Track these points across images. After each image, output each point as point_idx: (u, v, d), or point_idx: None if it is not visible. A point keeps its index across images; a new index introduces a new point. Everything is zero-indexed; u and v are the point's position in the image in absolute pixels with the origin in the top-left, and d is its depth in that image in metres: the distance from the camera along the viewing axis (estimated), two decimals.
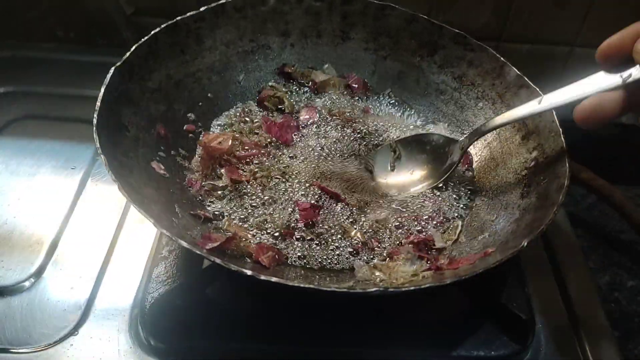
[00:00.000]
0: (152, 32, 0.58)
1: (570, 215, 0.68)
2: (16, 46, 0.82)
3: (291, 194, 0.58)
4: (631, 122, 0.45)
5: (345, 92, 0.68)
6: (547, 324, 0.55)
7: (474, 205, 0.59)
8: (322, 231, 0.55)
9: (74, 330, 0.52)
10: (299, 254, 0.53)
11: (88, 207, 0.63)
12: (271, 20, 0.65)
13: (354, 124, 0.65)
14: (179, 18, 0.60)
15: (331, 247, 0.54)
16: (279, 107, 0.66)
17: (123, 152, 0.51)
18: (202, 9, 0.61)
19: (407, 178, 0.61)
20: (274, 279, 0.41)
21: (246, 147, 0.61)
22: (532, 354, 0.53)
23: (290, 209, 0.56)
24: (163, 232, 0.43)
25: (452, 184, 0.61)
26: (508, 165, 0.59)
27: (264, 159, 0.61)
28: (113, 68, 0.53)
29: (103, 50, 0.81)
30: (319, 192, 0.58)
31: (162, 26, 0.58)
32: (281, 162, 0.61)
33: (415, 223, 0.57)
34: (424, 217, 0.58)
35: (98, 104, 0.50)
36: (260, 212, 0.56)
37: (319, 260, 0.53)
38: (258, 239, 0.54)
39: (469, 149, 0.61)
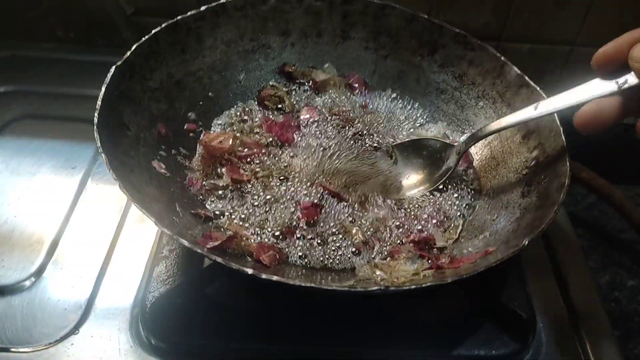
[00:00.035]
0: (153, 32, 0.58)
1: (570, 214, 0.68)
2: (16, 46, 0.82)
3: (292, 193, 0.58)
4: (632, 122, 0.45)
5: (346, 91, 0.68)
6: (548, 323, 0.55)
7: (475, 204, 0.59)
8: (323, 230, 0.55)
9: (74, 330, 0.52)
10: (299, 253, 0.53)
11: (88, 207, 0.63)
12: (272, 20, 0.65)
13: (356, 124, 0.65)
14: (179, 17, 0.60)
15: (332, 247, 0.54)
16: (280, 106, 0.66)
17: (124, 151, 0.51)
18: (202, 8, 0.61)
19: (404, 182, 0.61)
20: (275, 278, 0.41)
21: (247, 147, 0.61)
22: (532, 353, 0.53)
23: (291, 208, 0.56)
24: (164, 231, 0.43)
25: (453, 184, 0.61)
26: (509, 164, 0.59)
27: (265, 158, 0.61)
28: (114, 67, 0.53)
29: (103, 50, 0.81)
30: (321, 191, 0.58)
31: (163, 25, 0.58)
32: (282, 161, 0.61)
33: (416, 222, 0.57)
34: (424, 217, 0.58)
35: (99, 103, 0.50)
36: (261, 211, 0.56)
37: (320, 259, 0.53)
38: (259, 238, 0.54)
39: (468, 149, 0.61)
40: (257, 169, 0.59)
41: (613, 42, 0.44)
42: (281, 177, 0.59)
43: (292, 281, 0.42)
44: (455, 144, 0.59)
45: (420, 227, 0.57)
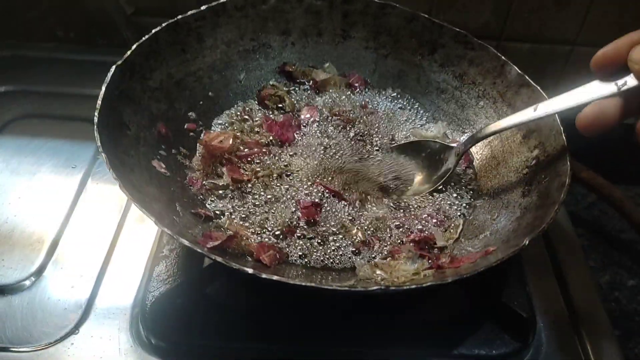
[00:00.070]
0: (153, 31, 0.58)
1: (570, 214, 0.68)
2: (16, 46, 0.82)
3: (292, 193, 0.58)
4: (632, 121, 0.46)
5: (346, 91, 0.68)
6: (548, 323, 0.55)
7: (475, 204, 0.59)
8: (323, 230, 0.55)
9: (74, 329, 0.52)
10: (299, 252, 0.53)
11: (89, 206, 0.63)
12: (272, 19, 0.65)
13: (357, 124, 0.65)
14: (179, 17, 0.60)
15: (332, 246, 0.54)
16: (280, 105, 0.66)
17: (124, 150, 0.51)
18: (202, 7, 0.61)
19: (403, 183, 0.61)
20: (275, 278, 0.41)
21: (247, 146, 0.61)
22: (533, 352, 0.53)
23: (291, 208, 0.56)
24: (164, 231, 0.43)
25: (453, 183, 0.61)
26: (509, 163, 0.59)
27: (265, 157, 0.61)
28: (114, 67, 0.53)
29: (103, 50, 0.81)
30: (321, 190, 0.58)
31: (163, 25, 0.58)
32: (282, 160, 0.61)
33: (416, 222, 0.57)
34: (424, 216, 0.58)
35: (99, 102, 0.50)
36: (262, 211, 0.56)
37: (320, 259, 0.53)
38: (259, 237, 0.54)
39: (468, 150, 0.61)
40: (258, 169, 0.59)
41: (612, 44, 0.44)
42: (281, 177, 0.59)
43: (292, 281, 0.42)
44: (455, 145, 0.59)
45: (420, 227, 0.57)
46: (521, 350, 0.52)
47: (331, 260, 0.53)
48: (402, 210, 0.58)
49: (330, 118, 0.65)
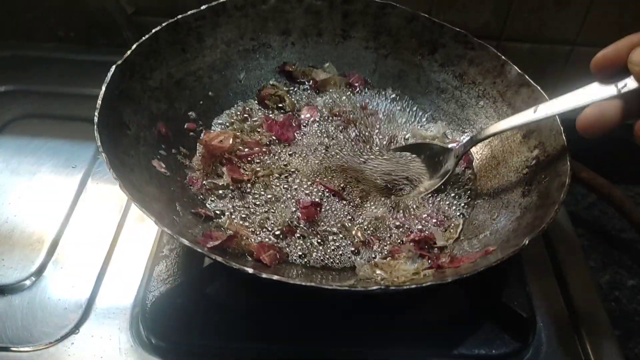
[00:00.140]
0: (153, 31, 0.58)
1: (570, 214, 0.68)
2: (17, 46, 0.82)
3: (293, 193, 0.58)
4: (632, 121, 0.46)
5: (346, 91, 0.68)
6: (548, 323, 0.55)
7: (475, 204, 0.59)
8: (323, 229, 0.55)
9: (75, 329, 0.52)
10: (299, 252, 0.53)
11: (89, 206, 0.63)
12: (272, 19, 0.65)
13: (358, 125, 0.65)
14: (179, 17, 0.60)
15: (332, 246, 0.54)
16: (280, 105, 0.66)
17: (124, 150, 0.51)
18: (202, 7, 0.61)
19: (403, 184, 0.61)
20: (275, 278, 0.41)
21: (247, 146, 0.61)
22: (533, 352, 0.53)
23: (291, 208, 0.56)
24: (164, 231, 0.43)
25: (452, 184, 0.61)
26: (509, 163, 0.59)
27: (265, 157, 0.61)
28: (114, 66, 0.53)
29: (103, 50, 0.81)
30: (321, 190, 0.58)
31: (163, 25, 0.58)
32: (282, 160, 0.61)
33: (416, 222, 0.57)
34: (424, 216, 0.58)
35: (99, 102, 0.50)
36: (262, 211, 0.56)
37: (320, 258, 0.53)
38: (259, 237, 0.54)
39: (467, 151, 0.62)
40: (258, 168, 0.59)
41: (612, 46, 0.44)
42: (281, 177, 0.59)
43: (292, 281, 0.42)
44: (454, 146, 0.59)
45: (420, 227, 0.57)
46: (521, 350, 0.52)
47: (331, 260, 0.53)
48: (401, 210, 0.58)
49: (330, 118, 0.65)
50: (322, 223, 0.56)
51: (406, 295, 0.50)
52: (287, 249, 0.53)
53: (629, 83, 0.43)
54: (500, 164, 0.60)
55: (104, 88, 0.51)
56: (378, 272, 0.50)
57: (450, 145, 0.61)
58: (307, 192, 0.58)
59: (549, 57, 0.78)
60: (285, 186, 0.58)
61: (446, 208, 0.59)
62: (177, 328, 0.52)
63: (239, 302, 0.54)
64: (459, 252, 0.53)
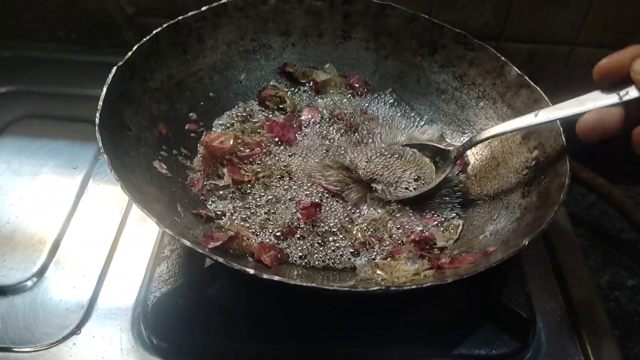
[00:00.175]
0: (154, 32, 0.58)
1: (570, 214, 0.69)
2: (17, 46, 0.82)
3: (293, 193, 0.58)
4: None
5: (346, 92, 0.68)
6: (548, 323, 0.55)
7: (475, 204, 0.59)
8: (323, 230, 0.55)
9: (76, 330, 0.52)
10: (300, 253, 0.54)
11: (90, 207, 0.63)
12: (272, 20, 0.66)
13: (359, 130, 0.65)
14: (180, 18, 0.60)
15: (332, 247, 0.54)
16: (281, 106, 0.66)
17: (125, 151, 0.51)
18: (203, 8, 0.61)
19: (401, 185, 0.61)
20: (276, 278, 0.42)
21: (248, 147, 0.61)
22: (532, 352, 0.53)
23: (292, 209, 0.56)
24: (166, 231, 0.44)
25: (449, 186, 0.61)
26: (509, 164, 0.59)
27: (266, 158, 0.61)
28: (115, 67, 0.53)
29: (104, 51, 0.81)
30: (321, 191, 0.58)
31: (164, 26, 0.59)
32: (283, 161, 0.61)
33: (416, 222, 0.57)
34: (424, 217, 0.58)
35: (100, 103, 0.50)
36: (262, 212, 0.56)
37: (321, 259, 0.53)
38: (260, 238, 0.54)
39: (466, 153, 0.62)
40: (258, 169, 0.59)
41: (616, 55, 0.44)
42: (282, 177, 0.59)
43: (293, 281, 0.42)
44: (451, 148, 0.59)
45: (420, 227, 0.57)
46: (521, 350, 0.52)
47: (332, 261, 0.53)
48: (401, 211, 0.58)
49: (331, 120, 0.65)
50: (323, 224, 0.56)
51: (406, 296, 0.50)
52: (288, 250, 0.53)
53: (631, 92, 0.44)
54: (500, 164, 0.60)
55: (105, 89, 0.51)
56: (378, 272, 0.51)
57: (447, 147, 0.61)
58: (307, 192, 0.58)
59: (549, 58, 0.78)
60: (286, 187, 0.58)
61: (443, 210, 0.59)
62: (178, 328, 0.52)
63: (240, 303, 0.55)
64: (459, 253, 0.53)
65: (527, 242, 0.45)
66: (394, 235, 0.56)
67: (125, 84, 0.54)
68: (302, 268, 0.53)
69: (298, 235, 0.55)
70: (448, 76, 0.66)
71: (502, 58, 0.61)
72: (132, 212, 0.62)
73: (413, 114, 0.68)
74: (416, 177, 0.60)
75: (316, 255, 0.54)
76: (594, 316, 0.57)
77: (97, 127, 0.48)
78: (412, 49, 0.67)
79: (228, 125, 0.64)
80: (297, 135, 0.63)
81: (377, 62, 0.68)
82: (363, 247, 0.54)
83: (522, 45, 0.77)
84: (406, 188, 0.60)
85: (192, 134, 0.61)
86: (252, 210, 0.56)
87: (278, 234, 0.54)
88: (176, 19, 0.60)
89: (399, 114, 0.68)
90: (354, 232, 0.55)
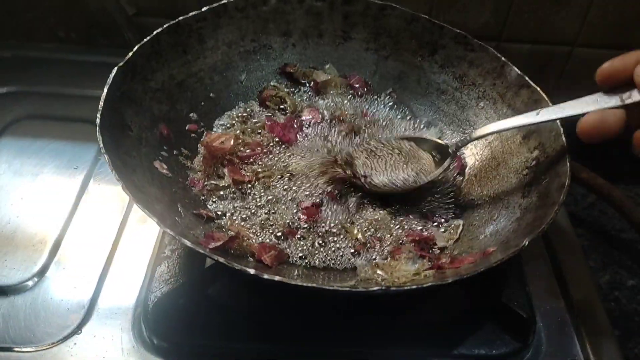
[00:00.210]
0: (155, 33, 0.58)
1: (570, 214, 0.69)
2: (18, 46, 0.82)
3: (294, 194, 0.58)
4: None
5: (347, 92, 0.68)
6: (548, 323, 0.55)
7: (475, 204, 0.59)
8: (324, 231, 0.55)
9: (77, 329, 0.52)
10: (300, 253, 0.54)
11: (91, 207, 0.63)
12: (273, 20, 0.66)
13: (360, 133, 0.65)
14: (180, 18, 0.60)
15: (333, 247, 0.55)
16: (281, 107, 0.66)
17: (126, 151, 0.51)
18: (203, 9, 0.61)
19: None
20: (277, 278, 0.42)
21: (248, 147, 0.61)
22: (532, 352, 0.53)
23: (292, 209, 0.56)
24: (166, 231, 0.44)
25: (446, 187, 0.61)
26: (509, 164, 0.59)
27: (266, 158, 0.61)
28: (116, 68, 0.53)
29: (105, 51, 0.81)
30: (322, 191, 0.58)
31: (164, 26, 0.59)
32: (283, 161, 0.61)
33: (416, 222, 0.57)
34: (424, 217, 0.58)
35: (101, 103, 0.50)
36: (263, 212, 0.56)
37: (321, 259, 0.54)
38: (260, 238, 0.54)
39: (463, 154, 0.62)
40: (259, 170, 0.59)
41: (620, 58, 0.45)
42: (282, 178, 0.59)
43: (293, 281, 0.43)
44: (450, 142, 0.59)
45: (420, 227, 0.57)
46: (521, 350, 0.52)
47: (332, 261, 0.54)
48: (402, 211, 0.58)
49: (332, 122, 0.65)
50: (323, 224, 0.56)
51: (407, 296, 0.50)
52: (288, 250, 0.54)
53: (634, 95, 0.44)
54: (500, 165, 0.60)
55: (105, 89, 0.51)
56: (379, 272, 0.51)
57: (447, 142, 0.60)
58: (307, 193, 0.58)
59: (549, 58, 0.78)
60: (286, 187, 0.58)
61: (443, 210, 0.59)
62: (179, 328, 0.52)
63: (241, 303, 0.55)
64: (459, 253, 0.53)
65: (527, 242, 0.45)
66: (394, 236, 0.56)
67: (126, 84, 0.54)
68: (302, 268, 0.53)
69: (299, 236, 0.55)
70: (448, 76, 0.66)
71: (502, 58, 0.62)
72: (133, 212, 0.62)
73: (412, 117, 0.68)
74: (415, 172, 0.59)
75: (317, 255, 0.54)
76: (594, 316, 0.57)
77: (98, 128, 0.48)
78: (412, 50, 0.67)
79: (228, 125, 0.64)
80: (298, 135, 0.63)
81: (377, 62, 0.68)
82: (363, 247, 0.55)
83: (522, 46, 0.77)
84: (404, 181, 0.59)
85: (193, 134, 0.61)
86: (253, 211, 0.56)
87: (279, 234, 0.55)
88: (177, 20, 0.60)
89: (398, 116, 0.68)
90: (355, 232, 0.55)
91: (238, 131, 0.63)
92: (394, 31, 0.66)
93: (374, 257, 0.54)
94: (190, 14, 0.61)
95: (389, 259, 0.53)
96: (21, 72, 0.79)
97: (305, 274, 0.52)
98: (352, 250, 0.54)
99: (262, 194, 0.58)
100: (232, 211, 0.56)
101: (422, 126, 0.67)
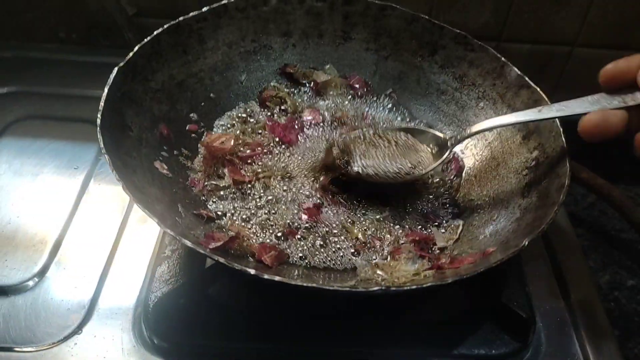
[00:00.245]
0: (155, 33, 0.58)
1: (570, 214, 0.69)
2: (18, 47, 0.82)
3: (294, 194, 0.58)
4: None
5: (347, 93, 0.69)
6: (548, 323, 0.55)
7: (475, 204, 0.60)
8: (324, 231, 0.56)
9: (77, 329, 0.52)
10: (300, 254, 0.54)
11: (91, 207, 0.63)
12: (273, 21, 0.66)
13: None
14: (181, 18, 0.60)
15: (333, 247, 0.55)
16: (281, 107, 0.66)
17: (126, 152, 0.51)
18: (204, 9, 0.61)
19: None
20: (277, 279, 0.42)
21: (248, 147, 0.61)
22: (532, 352, 0.53)
23: (292, 209, 0.56)
24: (167, 232, 0.44)
25: (444, 188, 0.61)
26: (509, 164, 0.59)
27: (266, 159, 0.61)
28: (116, 68, 0.53)
29: (105, 51, 0.81)
30: (322, 192, 0.58)
31: (165, 27, 0.59)
32: (284, 162, 0.61)
33: (416, 222, 0.57)
34: (424, 217, 0.58)
35: (102, 104, 0.50)
36: (263, 212, 0.56)
37: (321, 260, 0.54)
38: (261, 238, 0.54)
39: (463, 155, 0.62)
40: (259, 170, 0.59)
41: (624, 60, 0.45)
42: (283, 178, 0.59)
43: (294, 282, 0.43)
44: (449, 135, 0.58)
45: (420, 227, 0.57)
46: (521, 351, 0.52)
47: (332, 261, 0.54)
48: (402, 212, 0.58)
49: (334, 123, 0.65)
50: (323, 224, 0.56)
51: (407, 296, 0.50)
52: (288, 250, 0.54)
53: (637, 97, 0.45)
54: (500, 165, 0.60)
55: (106, 90, 0.51)
56: (379, 272, 0.51)
57: (445, 134, 0.59)
58: (307, 193, 0.58)
59: (549, 58, 0.78)
60: (285, 188, 0.58)
61: (443, 211, 0.59)
62: (179, 328, 0.52)
63: (241, 303, 0.55)
64: (459, 253, 0.53)
65: (527, 243, 0.45)
66: (394, 236, 0.56)
67: (126, 84, 0.54)
68: (302, 268, 0.53)
69: (299, 236, 0.55)
70: (448, 77, 0.66)
71: (502, 59, 0.62)
72: (133, 213, 0.62)
73: (412, 119, 0.68)
74: (412, 164, 0.59)
75: (317, 255, 0.54)
76: (594, 316, 0.57)
77: (98, 128, 0.48)
78: (412, 50, 0.67)
79: (229, 125, 0.64)
80: (298, 136, 0.64)
81: (378, 62, 0.68)
82: (363, 247, 0.55)
83: (522, 46, 0.77)
84: (400, 172, 0.58)
85: (193, 135, 0.61)
86: (253, 211, 0.56)
87: (279, 234, 0.55)
88: (177, 20, 0.60)
89: (398, 118, 0.68)
90: (355, 232, 0.55)
91: (238, 131, 0.63)
92: (394, 31, 0.66)
93: (374, 257, 0.54)
94: (191, 14, 0.61)
95: (388, 259, 0.53)
96: (22, 73, 0.79)
97: (306, 274, 0.52)
98: (352, 251, 0.54)
99: (262, 194, 0.58)
100: (233, 211, 0.56)
101: (422, 127, 0.67)
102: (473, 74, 0.64)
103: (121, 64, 0.54)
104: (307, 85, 0.68)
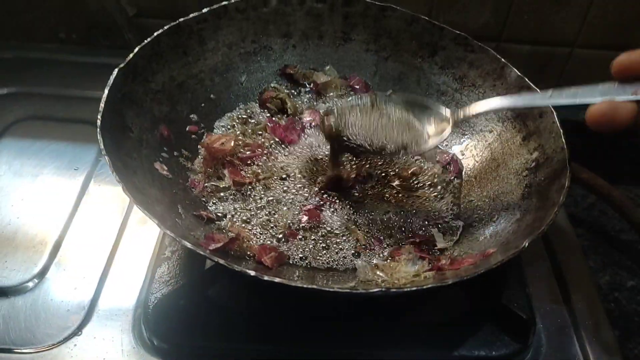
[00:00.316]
0: (155, 34, 0.58)
1: (570, 215, 0.69)
2: (18, 47, 0.82)
3: (294, 196, 0.58)
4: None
5: (347, 94, 0.68)
6: (548, 324, 0.55)
7: (475, 206, 0.60)
8: (325, 232, 0.56)
9: (77, 331, 0.52)
10: (300, 255, 0.54)
11: (91, 208, 0.63)
12: (273, 22, 0.66)
13: None
14: (181, 20, 0.60)
15: (334, 249, 0.55)
16: (282, 108, 0.66)
17: (126, 153, 0.51)
18: (204, 10, 0.61)
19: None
20: (277, 280, 0.42)
21: (249, 148, 0.61)
22: (532, 353, 0.53)
23: (293, 210, 0.56)
24: (167, 233, 0.44)
25: (450, 184, 0.61)
26: (509, 166, 0.59)
27: (266, 160, 0.61)
28: (117, 69, 0.53)
29: (105, 52, 0.81)
30: (322, 193, 0.58)
31: (165, 28, 0.59)
32: (284, 163, 0.61)
33: (417, 223, 0.57)
34: (424, 218, 0.58)
35: (102, 105, 0.50)
36: (263, 213, 0.56)
37: (321, 261, 0.54)
38: (261, 239, 0.54)
39: (460, 157, 0.63)
40: (259, 171, 0.59)
41: (638, 51, 0.44)
42: (283, 179, 0.59)
43: (294, 283, 0.43)
44: (451, 110, 0.56)
45: (420, 229, 0.57)
46: (521, 351, 0.52)
47: (332, 263, 0.54)
48: (401, 212, 0.58)
49: None
50: (324, 226, 0.56)
51: (407, 297, 0.50)
52: (289, 252, 0.54)
53: None
54: (500, 166, 0.60)
55: (106, 91, 0.51)
56: (379, 274, 0.51)
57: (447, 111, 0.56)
58: (308, 195, 0.58)
59: (549, 59, 0.78)
60: (286, 189, 0.58)
61: (443, 212, 0.59)
62: (179, 330, 0.52)
63: (241, 304, 0.55)
64: (459, 254, 0.53)
65: (527, 244, 0.45)
66: (394, 237, 0.56)
67: (127, 85, 0.54)
68: (302, 270, 0.53)
69: (299, 237, 0.55)
70: (448, 78, 0.66)
71: (502, 60, 0.62)
72: (133, 214, 0.62)
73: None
74: (404, 143, 0.55)
75: (317, 256, 0.54)
76: (593, 317, 0.57)
77: (98, 129, 0.48)
78: (412, 51, 0.67)
79: (229, 126, 0.64)
80: (299, 137, 0.64)
81: (378, 63, 0.68)
82: (364, 248, 0.55)
83: (522, 46, 0.77)
84: (391, 147, 0.55)
85: (193, 136, 0.61)
86: (253, 212, 0.56)
87: (279, 235, 0.55)
88: (177, 21, 0.60)
89: None
90: (355, 234, 0.55)
91: (238, 132, 0.63)
92: (394, 32, 0.66)
93: (374, 258, 0.54)
94: (191, 15, 0.61)
95: (389, 260, 0.53)
96: (22, 73, 0.79)
97: (306, 276, 0.52)
98: (352, 252, 0.54)
99: (263, 195, 0.58)
100: (233, 212, 0.56)
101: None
102: (473, 75, 0.64)
103: (121, 65, 0.54)
104: (307, 86, 0.68)
